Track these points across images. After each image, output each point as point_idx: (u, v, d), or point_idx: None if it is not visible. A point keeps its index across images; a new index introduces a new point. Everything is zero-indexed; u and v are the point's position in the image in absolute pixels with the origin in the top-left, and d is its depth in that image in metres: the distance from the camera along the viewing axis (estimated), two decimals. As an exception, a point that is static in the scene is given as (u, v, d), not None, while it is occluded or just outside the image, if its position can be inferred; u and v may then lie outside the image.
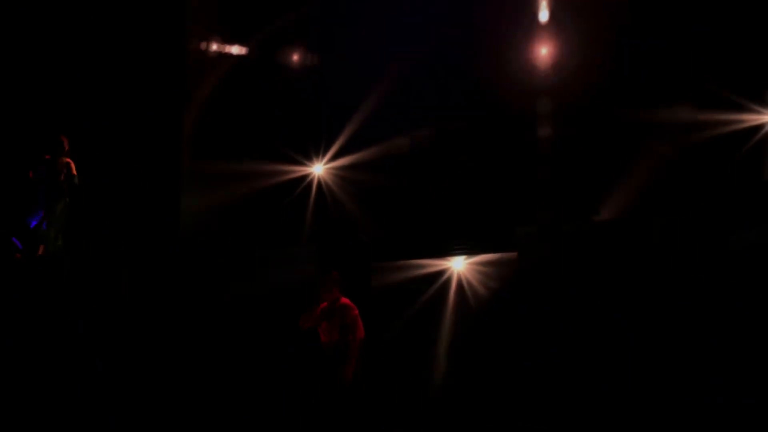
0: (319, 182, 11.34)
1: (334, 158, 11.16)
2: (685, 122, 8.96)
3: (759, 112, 8.98)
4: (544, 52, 9.54)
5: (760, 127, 9.00)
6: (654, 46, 9.17)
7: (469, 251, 8.71)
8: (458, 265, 8.77)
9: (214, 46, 11.42)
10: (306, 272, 8.60)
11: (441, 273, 8.84)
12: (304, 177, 11.16)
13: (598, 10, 9.18)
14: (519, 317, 7.81)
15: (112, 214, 10.69)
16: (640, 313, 7.31)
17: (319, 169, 11.19)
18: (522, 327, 7.72)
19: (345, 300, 6.94)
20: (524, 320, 7.73)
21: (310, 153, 11.25)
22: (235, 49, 11.28)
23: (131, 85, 10.81)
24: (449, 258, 8.87)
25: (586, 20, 9.30)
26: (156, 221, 10.64)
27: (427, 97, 10.20)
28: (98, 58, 11.10)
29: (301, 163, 11.34)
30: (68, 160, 9.38)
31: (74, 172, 9.30)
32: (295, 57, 11.44)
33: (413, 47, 10.14)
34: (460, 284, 8.81)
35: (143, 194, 10.75)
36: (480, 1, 10.05)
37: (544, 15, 9.46)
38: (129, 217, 10.62)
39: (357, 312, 6.94)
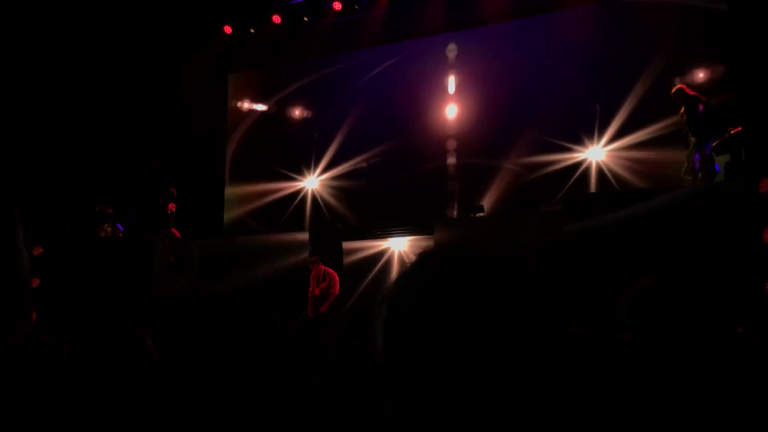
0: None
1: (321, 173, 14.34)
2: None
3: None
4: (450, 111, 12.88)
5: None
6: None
7: (406, 234, 12.34)
8: (399, 243, 12.16)
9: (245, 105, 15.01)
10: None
11: (388, 248, 12.20)
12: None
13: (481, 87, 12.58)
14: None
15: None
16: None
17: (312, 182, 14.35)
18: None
19: (328, 269, 10.77)
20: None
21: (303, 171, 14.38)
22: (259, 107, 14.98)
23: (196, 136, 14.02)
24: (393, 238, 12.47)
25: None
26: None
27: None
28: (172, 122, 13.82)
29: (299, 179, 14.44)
30: (173, 205, 11.63)
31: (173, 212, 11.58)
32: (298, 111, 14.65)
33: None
34: (400, 255, 12.33)
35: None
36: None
37: (451, 89, 12.93)
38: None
39: (336, 276, 10.70)
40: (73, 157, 12.75)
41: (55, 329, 9.68)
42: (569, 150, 11.65)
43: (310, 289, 10.41)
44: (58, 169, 12.57)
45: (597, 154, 11.51)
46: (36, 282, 10.76)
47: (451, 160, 12.65)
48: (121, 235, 12.34)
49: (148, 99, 13.45)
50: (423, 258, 1.26)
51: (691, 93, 9.03)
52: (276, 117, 14.70)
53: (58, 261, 11.14)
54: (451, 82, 12.80)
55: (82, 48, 12.62)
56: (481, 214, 11.44)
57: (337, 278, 10.55)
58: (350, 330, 10.44)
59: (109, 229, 12.33)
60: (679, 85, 9.17)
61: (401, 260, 11.94)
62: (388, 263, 12.01)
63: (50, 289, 10.79)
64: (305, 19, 13.42)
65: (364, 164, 13.45)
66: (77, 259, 11.48)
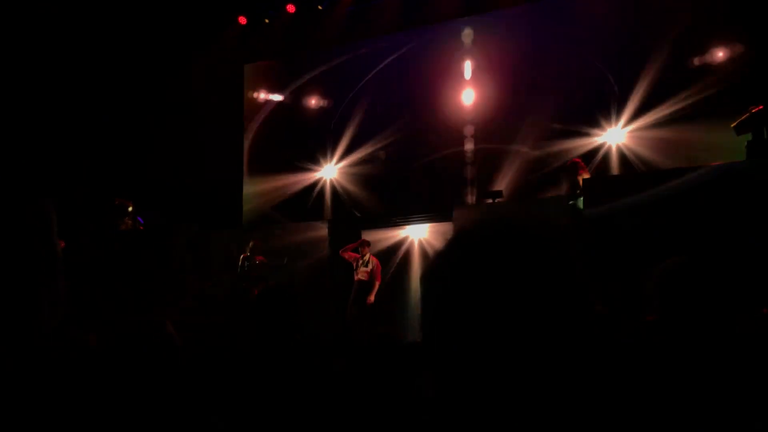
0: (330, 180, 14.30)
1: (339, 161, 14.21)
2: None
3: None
4: (467, 96, 12.74)
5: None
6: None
7: (424, 221, 12.54)
8: (419, 230, 12.44)
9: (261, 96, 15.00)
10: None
11: (407, 236, 12.63)
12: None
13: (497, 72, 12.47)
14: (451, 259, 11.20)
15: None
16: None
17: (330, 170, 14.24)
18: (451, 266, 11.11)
19: (373, 257, 11.00)
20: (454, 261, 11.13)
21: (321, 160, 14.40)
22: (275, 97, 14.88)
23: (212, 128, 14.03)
24: (413, 224, 12.61)
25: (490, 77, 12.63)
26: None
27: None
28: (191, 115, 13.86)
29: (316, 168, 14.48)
30: (261, 257, 11.29)
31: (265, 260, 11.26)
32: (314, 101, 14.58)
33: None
34: (420, 242, 12.68)
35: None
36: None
37: (467, 74, 12.81)
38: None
39: (379, 265, 10.88)
40: (92, 152, 12.80)
41: (80, 323, 9.82)
42: (589, 133, 11.49)
43: (355, 271, 10.69)
44: (77, 164, 12.64)
45: (617, 135, 11.35)
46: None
47: (469, 145, 12.52)
48: (141, 228, 12.40)
49: (165, 92, 13.46)
50: (458, 236, 1.29)
51: (581, 172, 8.99)
52: (292, 106, 14.65)
53: (81, 255, 11.24)
54: (467, 67, 12.70)
55: (97, 44, 12.67)
56: (500, 200, 11.53)
57: (380, 268, 10.70)
58: (375, 316, 10.62)
59: (130, 222, 12.37)
60: (576, 159, 9.25)
61: (421, 247, 12.05)
62: (408, 251, 12.13)
63: (74, 284, 10.91)
64: (319, 7, 13.41)
65: (382, 153, 13.34)
66: (100, 253, 11.59)
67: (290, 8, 13.34)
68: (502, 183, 11.97)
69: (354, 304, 10.61)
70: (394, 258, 12.13)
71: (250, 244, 11.31)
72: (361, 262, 10.64)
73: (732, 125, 9.06)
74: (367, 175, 13.56)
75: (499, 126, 12.29)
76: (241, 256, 11.29)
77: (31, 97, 12.21)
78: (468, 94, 12.75)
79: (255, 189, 14.54)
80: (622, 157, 11.41)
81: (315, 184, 14.16)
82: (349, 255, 10.86)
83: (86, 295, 10.67)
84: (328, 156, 14.11)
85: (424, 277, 1.24)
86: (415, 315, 10.82)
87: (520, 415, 1.14)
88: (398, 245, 12.17)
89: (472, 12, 12.65)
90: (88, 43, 12.52)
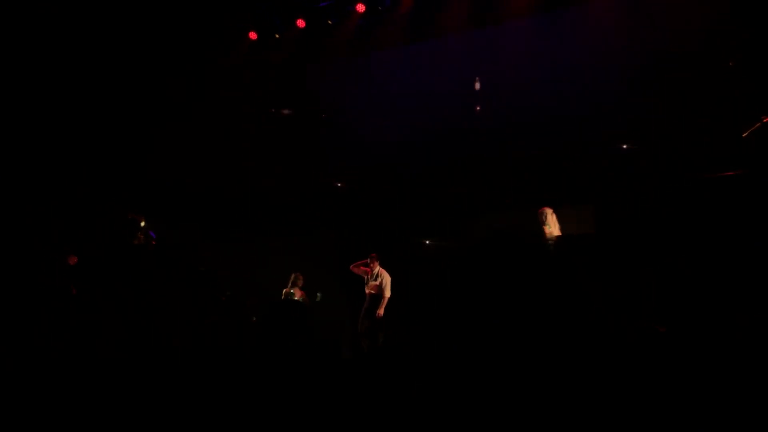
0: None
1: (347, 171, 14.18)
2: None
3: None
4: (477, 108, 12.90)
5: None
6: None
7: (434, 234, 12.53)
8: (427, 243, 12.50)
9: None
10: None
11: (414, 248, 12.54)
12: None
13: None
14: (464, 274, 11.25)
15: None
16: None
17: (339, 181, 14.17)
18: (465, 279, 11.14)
19: (383, 271, 11.10)
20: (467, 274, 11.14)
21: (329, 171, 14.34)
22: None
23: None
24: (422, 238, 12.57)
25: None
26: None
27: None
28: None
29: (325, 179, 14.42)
30: (302, 292, 11.47)
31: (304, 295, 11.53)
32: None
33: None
34: (426, 253, 12.48)
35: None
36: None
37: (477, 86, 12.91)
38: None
39: (389, 278, 10.93)
40: (104, 166, 12.88)
41: (92, 335, 9.89)
42: (598, 144, 11.51)
43: (366, 285, 10.90)
44: (89, 177, 12.75)
45: (626, 148, 11.36)
46: (73, 291, 10.94)
47: (479, 157, 12.53)
48: (154, 243, 12.42)
49: (171, 100, 13.53)
50: (463, 251, 1.32)
51: (549, 218, 9.13)
52: (299, 117, 14.71)
53: (94, 270, 11.28)
54: (478, 80, 12.76)
55: (107, 51, 12.79)
56: (511, 212, 11.49)
57: (390, 281, 10.77)
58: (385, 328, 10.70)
59: (142, 237, 12.39)
60: (544, 208, 9.30)
61: (426, 260, 12.06)
62: (413, 264, 12.12)
63: (87, 298, 10.94)
64: (329, 22, 13.47)
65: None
66: (113, 268, 11.64)
67: (300, 23, 13.40)
68: (514, 194, 12.06)
69: (365, 318, 10.71)
70: (402, 270, 12.12)
71: (291, 277, 11.51)
72: (370, 276, 10.77)
73: (743, 135, 9.05)
74: (375, 188, 13.62)
75: (510, 138, 12.29)
76: (284, 291, 11.46)
77: (44, 113, 12.33)
78: (478, 105, 12.81)
79: (261, 196, 14.39)
80: (632, 167, 11.40)
81: (322, 193, 14.20)
82: (359, 269, 10.97)
83: (99, 308, 10.76)
84: (337, 166, 14.15)
85: (432, 288, 1.25)
86: (415, 322, 10.94)
87: (520, 416, 1.14)
88: (408, 258, 12.16)
89: (483, 23, 12.63)
90: (95, 47, 12.67)
